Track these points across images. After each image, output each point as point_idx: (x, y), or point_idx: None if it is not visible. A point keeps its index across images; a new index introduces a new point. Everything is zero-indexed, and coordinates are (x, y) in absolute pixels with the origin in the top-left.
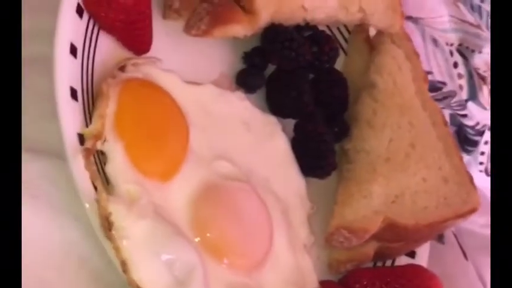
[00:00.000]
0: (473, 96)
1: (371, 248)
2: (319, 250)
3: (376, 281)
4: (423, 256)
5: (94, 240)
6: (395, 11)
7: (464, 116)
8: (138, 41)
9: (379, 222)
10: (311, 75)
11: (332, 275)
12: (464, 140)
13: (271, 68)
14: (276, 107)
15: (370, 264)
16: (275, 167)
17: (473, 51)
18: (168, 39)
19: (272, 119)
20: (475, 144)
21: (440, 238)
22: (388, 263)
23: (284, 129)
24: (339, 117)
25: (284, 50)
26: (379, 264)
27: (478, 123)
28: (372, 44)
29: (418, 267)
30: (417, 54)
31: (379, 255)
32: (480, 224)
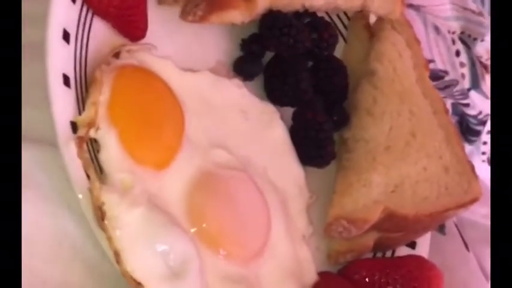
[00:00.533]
0: (475, 85)
1: (371, 239)
2: (318, 240)
3: (376, 272)
4: (424, 247)
5: (87, 230)
6: None
7: (467, 105)
8: (132, 27)
9: (378, 212)
10: (310, 63)
11: (331, 265)
12: (467, 130)
13: (269, 55)
14: (274, 94)
15: (370, 255)
16: (273, 156)
17: (475, 39)
18: (163, 25)
19: (270, 107)
20: (478, 134)
21: (441, 229)
22: (388, 253)
23: (282, 118)
24: (338, 105)
25: (282, 36)
26: (379, 254)
27: (480, 113)
28: (371, 30)
29: (418, 258)
30: (418, 41)
31: (379, 246)
32: (482, 214)
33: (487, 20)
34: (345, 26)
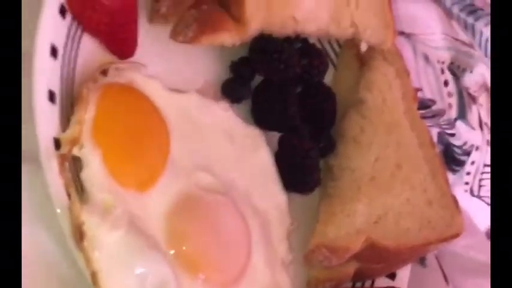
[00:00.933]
0: (462, 115)
1: (351, 268)
2: (297, 267)
3: None
4: (403, 278)
5: (64, 249)
6: (387, 27)
7: (452, 135)
8: (122, 45)
9: (360, 242)
10: (299, 88)
11: None
12: (451, 160)
13: (258, 79)
14: (261, 119)
15: (349, 284)
16: (257, 181)
17: (464, 70)
18: (153, 44)
19: (256, 132)
20: (462, 164)
21: (422, 261)
22: (368, 283)
23: (268, 143)
24: (326, 132)
25: (272, 61)
26: (358, 284)
27: (465, 143)
28: (362, 59)
29: None
30: (408, 72)
31: (359, 276)
32: (462, 245)
33: (477, 52)
34: (335, 53)
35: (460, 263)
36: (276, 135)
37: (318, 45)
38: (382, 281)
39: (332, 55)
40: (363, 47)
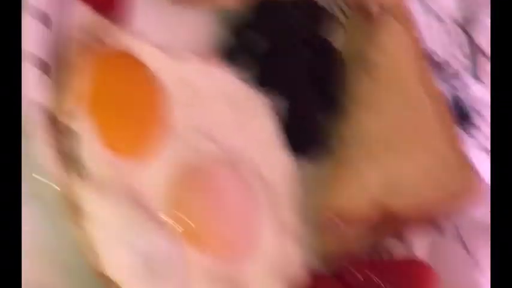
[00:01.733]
0: (474, 74)
1: (365, 239)
2: (309, 238)
3: (371, 274)
4: (422, 249)
5: (60, 225)
6: None
7: (465, 94)
8: (117, 9)
9: (373, 209)
10: (307, 52)
11: (322, 265)
12: (463, 119)
13: (264, 43)
14: (267, 84)
15: (365, 256)
16: (262, 148)
17: (472, 20)
18: (151, 8)
19: (262, 97)
20: (474, 124)
21: (440, 230)
22: (385, 256)
23: (275, 108)
24: (335, 97)
25: (279, 24)
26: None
27: (478, 103)
28: (372, 20)
29: (415, 261)
30: (419, 32)
31: (374, 246)
32: (480, 211)
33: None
34: (345, 15)
35: (479, 229)
36: (283, 100)
37: (326, 7)
38: (400, 253)
39: (341, 17)
40: (373, 7)
